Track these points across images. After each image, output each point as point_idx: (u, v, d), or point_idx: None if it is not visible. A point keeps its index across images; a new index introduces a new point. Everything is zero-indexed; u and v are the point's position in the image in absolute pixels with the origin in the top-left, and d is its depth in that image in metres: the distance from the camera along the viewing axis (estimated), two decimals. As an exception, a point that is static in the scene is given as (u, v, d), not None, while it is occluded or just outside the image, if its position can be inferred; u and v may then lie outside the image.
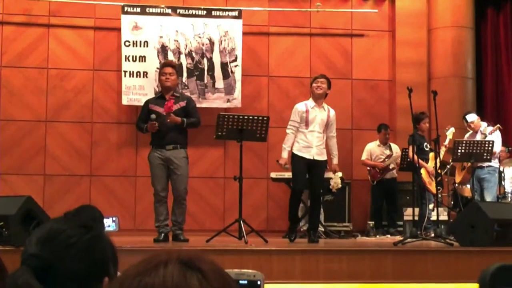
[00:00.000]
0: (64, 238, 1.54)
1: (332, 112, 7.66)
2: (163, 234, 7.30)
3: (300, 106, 7.60)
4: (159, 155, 7.30)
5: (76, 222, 1.63)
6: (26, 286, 1.45)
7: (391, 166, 9.89)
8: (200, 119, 7.55)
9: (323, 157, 7.53)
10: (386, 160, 9.89)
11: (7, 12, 10.45)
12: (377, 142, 10.19)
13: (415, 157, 8.64)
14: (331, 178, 7.60)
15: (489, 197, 9.07)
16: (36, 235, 1.56)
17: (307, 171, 7.50)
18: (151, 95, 10.06)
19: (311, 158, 7.43)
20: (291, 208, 7.74)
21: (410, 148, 8.73)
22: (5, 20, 10.46)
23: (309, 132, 7.48)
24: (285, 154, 7.52)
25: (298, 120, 7.49)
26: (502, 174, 9.47)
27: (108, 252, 1.61)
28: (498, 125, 9.42)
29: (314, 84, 7.61)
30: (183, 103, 7.42)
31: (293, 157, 7.52)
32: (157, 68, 10.23)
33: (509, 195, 9.68)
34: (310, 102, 7.60)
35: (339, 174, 7.59)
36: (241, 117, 7.47)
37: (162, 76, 7.58)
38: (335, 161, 7.61)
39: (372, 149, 10.18)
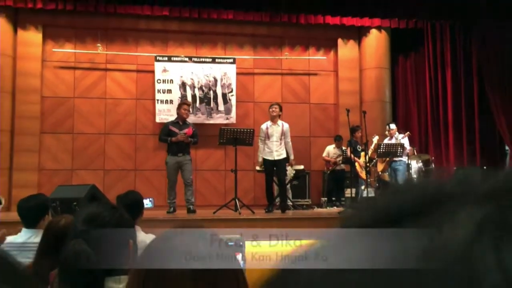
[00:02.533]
0: (102, 218, 1.52)
1: (286, 126, 7.76)
2: (172, 208, 7.59)
3: (263, 126, 7.80)
4: (174, 160, 7.57)
5: (107, 206, 1.61)
6: (84, 252, 1.42)
7: (340, 162, 9.96)
8: (198, 139, 7.83)
9: (282, 156, 7.64)
10: (338, 157, 9.95)
11: (77, 61, 10.55)
12: (334, 146, 10.20)
13: (351, 155, 8.88)
14: (287, 170, 7.89)
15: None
16: (81, 217, 1.53)
17: (274, 166, 7.66)
18: (175, 116, 10.21)
19: (273, 159, 7.59)
20: (267, 190, 7.86)
21: (348, 149, 8.98)
22: (76, 66, 10.54)
23: (270, 142, 7.64)
24: (260, 159, 7.77)
25: (263, 135, 7.68)
26: (410, 166, 9.56)
27: (130, 224, 1.59)
28: (408, 132, 9.59)
29: (270, 109, 7.82)
30: (191, 129, 7.73)
31: (263, 160, 7.73)
32: (179, 97, 10.40)
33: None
34: (269, 122, 7.78)
35: (292, 170, 7.79)
36: (235, 130, 7.64)
37: (183, 110, 7.78)
38: (291, 158, 7.75)
39: (330, 150, 10.20)
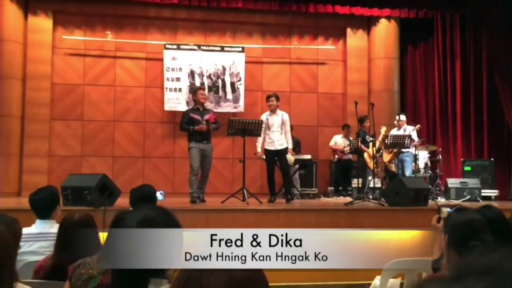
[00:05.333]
0: (156, 223, 1.61)
1: (285, 116, 7.65)
2: (196, 198, 7.35)
3: (262, 117, 7.67)
4: (198, 147, 7.37)
5: (161, 211, 1.69)
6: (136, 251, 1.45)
7: (347, 151, 9.94)
8: (219, 124, 7.64)
9: (283, 146, 7.58)
10: (346, 147, 9.93)
11: (87, 48, 10.60)
12: (341, 135, 10.22)
13: (361, 145, 8.90)
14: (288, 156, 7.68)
15: (407, 172, 9.20)
16: (136, 218, 1.62)
17: (276, 157, 7.58)
18: (184, 104, 10.33)
19: (275, 149, 7.54)
20: (268, 183, 7.74)
21: (357, 139, 8.97)
22: (86, 53, 10.60)
23: (271, 132, 7.56)
24: (258, 149, 7.64)
25: (264, 125, 7.57)
26: (417, 156, 9.56)
27: (177, 225, 1.67)
28: (419, 125, 9.53)
29: (268, 103, 7.63)
30: (212, 115, 7.56)
31: (265, 150, 7.63)
32: (188, 85, 10.47)
33: (422, 170, 9.74)
34: (268, 112, 7.68)
35: (292, 158, 7.69)
36: (244, 121, 7.51)
37: (199, 95, 7.55)
38: (290, 146, 7.64)
39: (337, 139, 10.25)
